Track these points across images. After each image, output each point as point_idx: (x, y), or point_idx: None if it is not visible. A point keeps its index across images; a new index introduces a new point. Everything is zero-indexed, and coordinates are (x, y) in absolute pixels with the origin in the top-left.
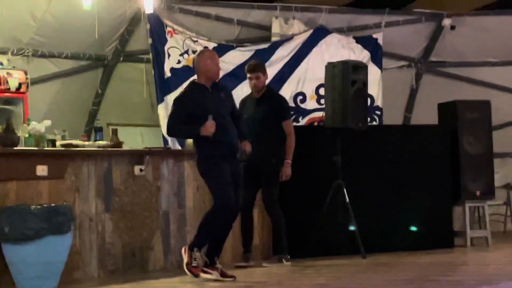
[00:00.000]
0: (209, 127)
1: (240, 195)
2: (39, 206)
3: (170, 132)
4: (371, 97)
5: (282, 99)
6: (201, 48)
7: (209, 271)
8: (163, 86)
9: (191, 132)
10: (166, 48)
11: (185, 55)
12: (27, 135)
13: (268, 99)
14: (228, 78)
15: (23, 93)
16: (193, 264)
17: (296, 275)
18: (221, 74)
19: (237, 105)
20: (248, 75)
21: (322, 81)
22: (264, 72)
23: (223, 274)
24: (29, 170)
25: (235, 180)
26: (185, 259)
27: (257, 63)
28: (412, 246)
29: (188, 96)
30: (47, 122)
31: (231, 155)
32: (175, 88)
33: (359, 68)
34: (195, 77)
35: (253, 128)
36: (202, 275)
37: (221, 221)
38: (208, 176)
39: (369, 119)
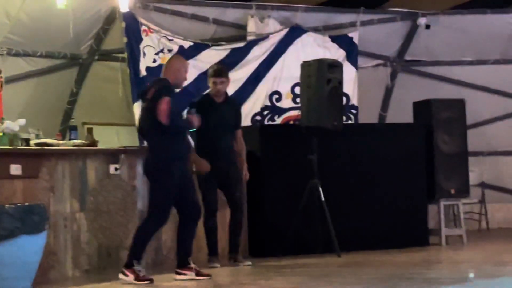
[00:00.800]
0: (196, 120)
1: (196, 197)
2: (13, 206)
3: (175, 121)
4: (347, 95)
5: (240, 106)
6: (177, 47)
7: (184, 272)
8: (138, 85)
9: (186, 125)
10: (141, 47)
11: (161, 54)
12: (1, 134)
13: (231, 104)
14: (204, 77)
15: None
16: (141, 274)
17: (271, 274)
18: (197, 73)
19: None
20: (213, 80)
21: (298, 80)
22: (228, 77)
23: (198, 273)
24: (2, 169)
25: (186, 184)
26: (131, 277)
27: (223, 67)
28: (387, 244)
29: (174, 93)
30: (21, 121)
31: (185, 156)
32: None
33: (334, 66)
34: None
35: (222, 132)
36: (178, 277)
37: (154, 229)
38: (158, 183)
39: (344, 117)
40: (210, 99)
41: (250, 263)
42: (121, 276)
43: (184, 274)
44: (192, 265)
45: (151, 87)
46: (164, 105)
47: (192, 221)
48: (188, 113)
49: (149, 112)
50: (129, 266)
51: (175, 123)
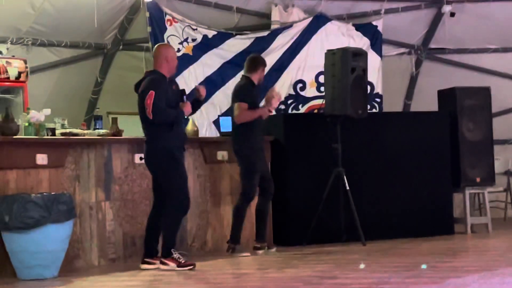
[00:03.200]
0: (188, 107)
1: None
2: (39, 195)
3: (159, 116)
4: (371, 84)
5: None
6: (200, 36)
7: (167, 262)
8: None
9: (179, 114)
10: (165, 36)
11: (185, 43)
12: (26, 124)
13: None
14: (228, 66)
15: (22, 82)
16: (182, 261)
17: (296, 262)
18: (221, 62)
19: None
20: (263, 67)
21: (322, 69)
22: None
23: (181, 264)
24: (29, 159)
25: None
26: (173, 265)
27: None
28: (412, 233)
29: (163, 85)
30: (47, 111)
31: (183, 146)
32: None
33: (359, 55)
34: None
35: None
36: (161, 266)
37: (181, 216)
38: (169, 170)
39: (369, 106)
40: (254, 85)
41: (274, 249)
42: (162, 267)
43: (167, 264)
44: (175, 255)
45: (142, 79)
46: (148, 99)
47: (184, 213)
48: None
49: (140, 105)
50: (167, 255)
51: (160, 117)
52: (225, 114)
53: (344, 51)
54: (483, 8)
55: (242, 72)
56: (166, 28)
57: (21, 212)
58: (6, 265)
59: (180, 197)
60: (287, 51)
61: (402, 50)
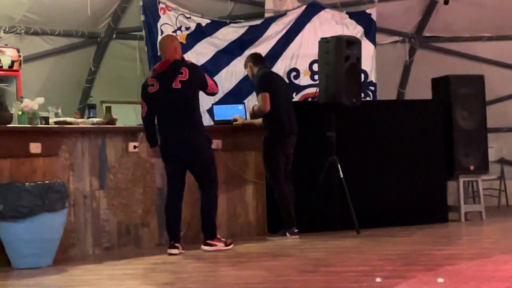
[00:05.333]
0: None
1: None
2: (33, 184)
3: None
4: (365, 72)
5: None
6: (194, 25)
7: (214, 243)
8: (156, 63)
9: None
10: (159, 25)
11: (178, 32)
12: (20, 113)
13: None
14: (222, 54)
15: (16, 71)
16: (226, 241)
17: (291, 250)
18: (215, 50)
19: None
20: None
21: (316, 57)
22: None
23: (227, 243)
24: (22, 147)
25: None
26: (220, 245)
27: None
28: (406, 221)
29: None
30: (40, 100)
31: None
32: None
33: (352, 43)
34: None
35: None
36: (208, 248)
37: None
38: (212, 155)
39: (363, 94)
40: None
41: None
42: (207, 248)
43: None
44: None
45: (183, 66)
46: (208, 79)
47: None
48: None
49: (186, 91)
50: (213, 237)
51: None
52: (219, 102)
53: (338, 39)
54: None
55: (236, 61)
56: (159, 17)
57: (15, 201)
58: (1, 254)
59: (217, 181)
60: (281, 40)
61: (396, 38)
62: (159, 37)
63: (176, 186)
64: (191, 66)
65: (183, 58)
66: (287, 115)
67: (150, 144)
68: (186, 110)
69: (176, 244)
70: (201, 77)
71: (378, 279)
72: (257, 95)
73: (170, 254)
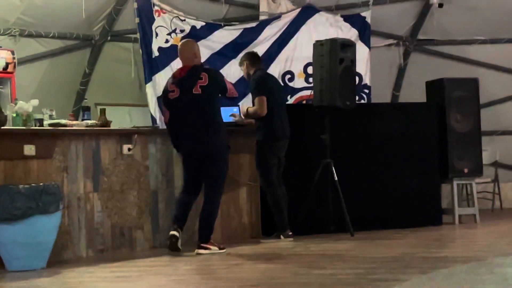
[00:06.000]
0: None
1: None
2: (27, 186)
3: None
4: (359, 75)
5: None
6: (189, 27)
7: (209, 246)
8: (151, 66)
9: None
10: (153, 27)
11: (173, 34)
12: (14, 115)
13: None
14: (216, 57)
15: (10, 73)
16: (220, 245)
17: (285, 252)
18: (209, 53)
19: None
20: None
21: (310, 60)
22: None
23: (220, 247)
24: (16, 149)
25: None
26: (215, 248)
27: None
28: (400, 224)
29: None
30: (35, 102)
31: None
32: (163, 67)
33: (347, 46)
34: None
35: None
36: (203, 251)
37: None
38: (227, 160)
39: (357, 97)
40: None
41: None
42: (201, 251)
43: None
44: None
45: (202, 71)
46: (228, 83)
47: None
48: None
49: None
50: (207, 241)
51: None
52: None
53: (333, 42)
54: None
55: (230, 63)
56: (154, 19)
57: (9, 203)
58: None
59: (223, 189)
60: (275, 42)
61: (391, 41)
62: (154, 40)
63: (190, 189)
64: (211, 71)
65: (202, 64)
66: (280, 118)
67: (177, 149)
68: (207, 115)
69: (178, 229)
70: (221, 82)
71: None
72: (254, 97)
73: (171, 236)
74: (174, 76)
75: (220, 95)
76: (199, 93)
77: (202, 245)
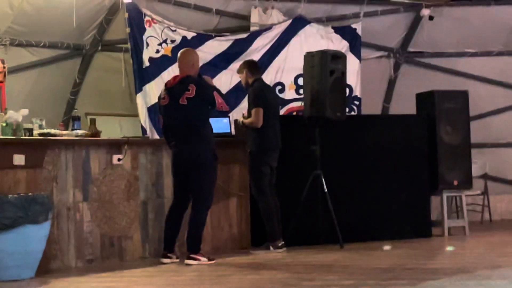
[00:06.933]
0: None
1: None
2: (16, 195)
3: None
4: (350, 87)
5: None
6: (180, 38)
7: (198, 257)
8: (141, 76)
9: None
10: (144, 37)
11: (164, 45)
12: (4, 124)
13: None
14: (207, 67)
15: (0, 82)
16: (209, 256)
17: (274, 263)
18: (201, 63)
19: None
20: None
21: (301, 71)
22: (241, 72)
23: (210, 258)
24: (6, 159)
25: None
26: (204, 259)
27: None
28: (389, 235)
29: None
30: (25, 111)
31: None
32: (154, 77)
33: (337, 57)
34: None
35: None
36: (192, 262)
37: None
38: (213, 170)
39: (347, 109)
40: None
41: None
42: (191, 262)
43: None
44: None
45: (191, 83)
46: (218, 98)
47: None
48: None
49: (196, 105)
50: (197, 251)
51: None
52: None
53: (323, 53)
54: (462, 12)
55: (221, 74)
56: (145, 29)
57: None
58: None
59: (211, 196)
60: (266, 53)
61: (381, 53)
62: (144, 50)
63: (179, 198)
64: (200, 83)
65: (199, 74)
66: (274, 129)
67: None
68: (192, 125)
69: (169, 254)
70: (209, 96)
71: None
72: (251, 108)
73: (162, 263)
74: (166, 83)
75: (210, 107)
76: (184, 104)
77: (191, 256)
